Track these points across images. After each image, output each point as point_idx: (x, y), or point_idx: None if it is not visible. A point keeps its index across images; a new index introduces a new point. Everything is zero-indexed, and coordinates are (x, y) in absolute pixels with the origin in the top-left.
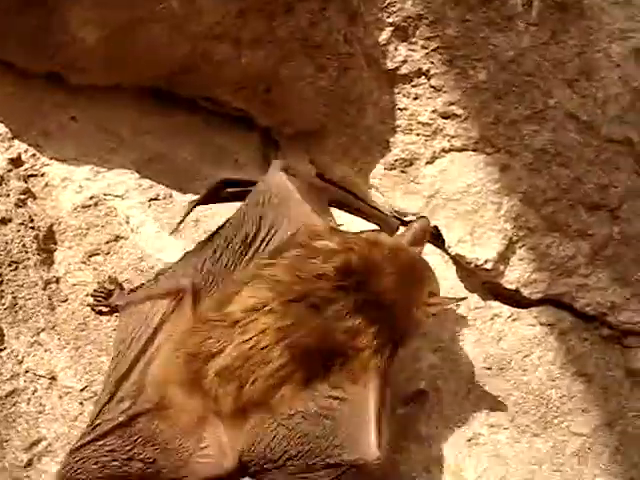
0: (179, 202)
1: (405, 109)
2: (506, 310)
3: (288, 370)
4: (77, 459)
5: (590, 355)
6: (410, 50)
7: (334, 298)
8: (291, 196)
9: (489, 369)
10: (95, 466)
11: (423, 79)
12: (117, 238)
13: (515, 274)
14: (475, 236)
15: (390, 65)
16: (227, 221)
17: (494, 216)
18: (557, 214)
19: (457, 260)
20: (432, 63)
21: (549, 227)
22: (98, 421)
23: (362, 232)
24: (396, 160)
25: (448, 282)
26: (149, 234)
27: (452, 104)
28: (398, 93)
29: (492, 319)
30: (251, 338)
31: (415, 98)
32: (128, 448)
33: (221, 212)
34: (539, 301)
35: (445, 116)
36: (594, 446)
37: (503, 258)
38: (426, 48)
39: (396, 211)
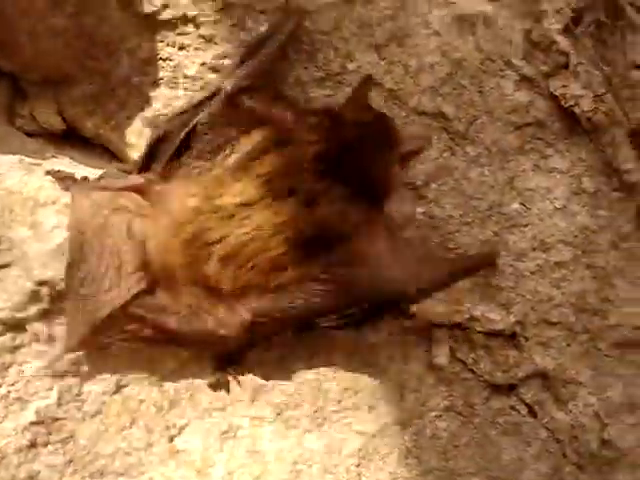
0: None
1: (169, 59)
2: None
3: (287, 257)
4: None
5: (384, 345)
6: None
7: (319, 188)
8: None
9: None
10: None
11: (191, 27)
12: None
13: None
14: None
15: (148, 8)
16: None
17: None
18: None
19: None
20: (202, 10)
21: None
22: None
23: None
24: (158, 116)
25: None
26: None
27: (225, 57)
28: (161, 41)
29: None
30: (249, 232)
31: (181, 48)
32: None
33: None
34: None
35: (216, 70)
36: (380, 447)
37: None
38: None
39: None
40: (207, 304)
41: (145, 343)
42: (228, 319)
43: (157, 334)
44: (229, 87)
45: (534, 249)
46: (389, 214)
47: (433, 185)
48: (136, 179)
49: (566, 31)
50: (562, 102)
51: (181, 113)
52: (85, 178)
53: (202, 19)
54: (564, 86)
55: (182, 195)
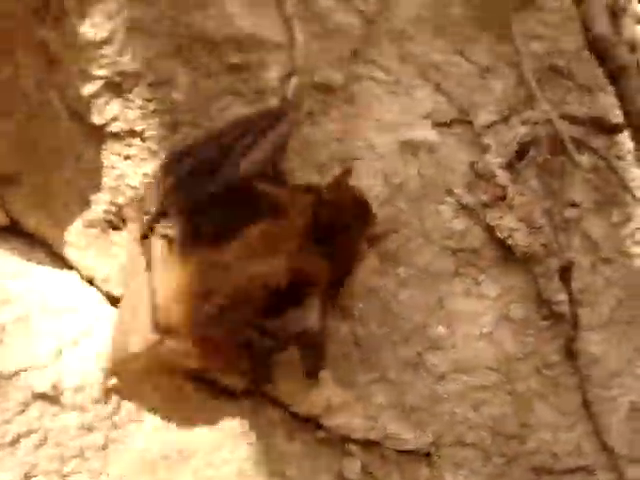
0: None
1: (113, 167)
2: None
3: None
4: None
5: (295, 455)
6: (125, 107)
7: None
8: None
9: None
10: None
11: (137, 140)
12: None
13: None
14: None
15: (97, 120)
16: None
17: None
18: None
19: None
20: (149, 124)
21: None
22: None
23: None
24: (96, 219)
25: None
26: None
27: None
28: (106, 150)
29: None
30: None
31: (126, 158)
32: None
33: None
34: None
35: None
36: None
37: None
38: (144, 108)
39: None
40: None
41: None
42: None
43: None
44: (242, 171)
45: (455, 371)
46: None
47: (360, 305)
48: None
49: (509, 164)
50: (497, 233)
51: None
52: None
53: (149, 133)
54: (500, 217)
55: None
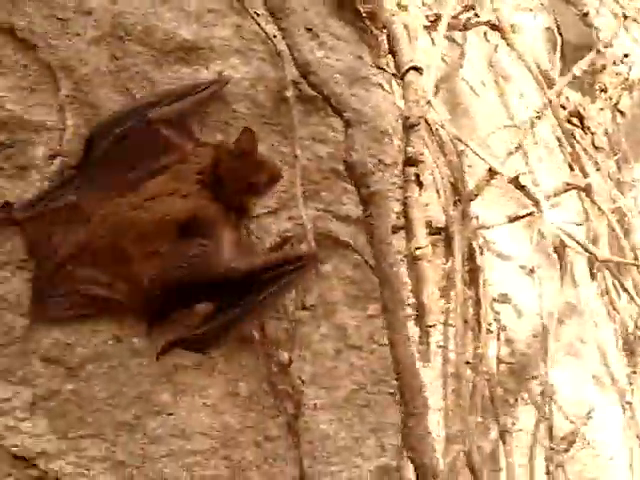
0: None
1: None
2: None
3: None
4: None
5: None
6: None
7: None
8: None
9: None
10: None
11: None
12: None
13: None
14: None
15: None
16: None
17: None
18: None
19: None
20: None
21: None
22: None
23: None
24: None
25: None
26: None
27: None
28: None
29: None
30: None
31: None
32: None
33: None
34: None
35: None
36: None
37: None
38: None
39: None
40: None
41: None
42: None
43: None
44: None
45: (172, 436)
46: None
47: (89, 367)
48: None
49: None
50: None
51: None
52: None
53: None
54: None
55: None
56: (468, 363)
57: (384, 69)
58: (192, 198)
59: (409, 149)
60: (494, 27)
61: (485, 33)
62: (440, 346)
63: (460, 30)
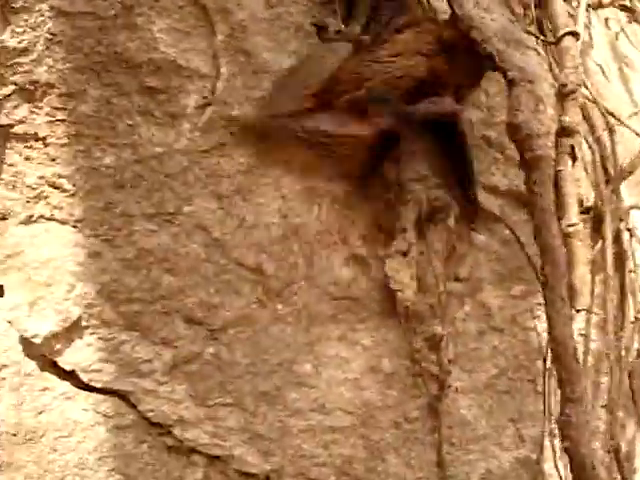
0: None
1: (12, 165)
2: (62, 387)
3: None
4: None
5: (141, 458)
6: (33, 113)
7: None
8: None
9: (14, 435)
10: None
11: (39, 144)
12: None
13: (76, 357)
14: (35, 308)
15: (4, 120)
16: None
17: (63, 296)
18: (141, 316)
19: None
20: (53, 132)
21: (127, 325)
22: None
23: None
24: None
25: (9, 341)
26: None
27: (62, 177)
28: (10, 148)
29: (42, 390)
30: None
31: (27, 159)
32: None
33: None
34: (101, 390)
35: (53, 186)
36: None
37: (61, 338)
38: (51, 116)
39: None
40: None
41: None
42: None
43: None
44: None
45: (311, 410)
46: None
47: (231, 331)
48: None
49: (418, 222)
50: (391, 285)
51: None
52: None
53: (51, 140)
54: (397, 271)
55: None
56: (608, 355)
57: (534, 34)
58: (430, 59)
59: (564, 118)
60: (624, 8)
61: (606, 19)
62: (581, 334)
63: (594, 9)
